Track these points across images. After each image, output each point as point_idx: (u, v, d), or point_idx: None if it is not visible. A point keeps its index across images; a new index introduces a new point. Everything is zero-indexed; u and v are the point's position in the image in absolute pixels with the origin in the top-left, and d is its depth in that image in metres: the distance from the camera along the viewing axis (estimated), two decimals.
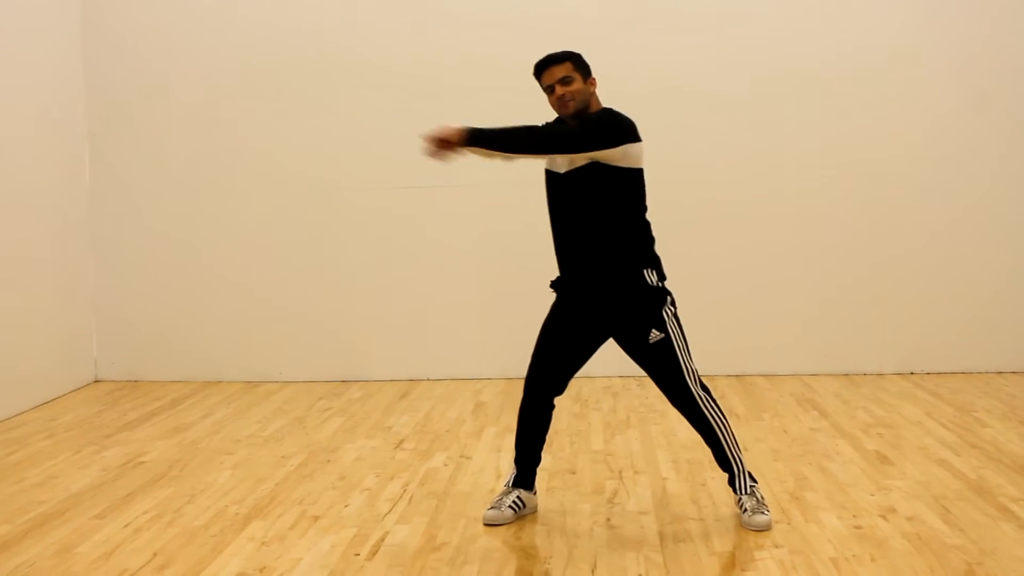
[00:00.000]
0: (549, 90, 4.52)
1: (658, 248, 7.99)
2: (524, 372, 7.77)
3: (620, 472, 5.40)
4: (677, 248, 7.79)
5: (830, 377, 7.70)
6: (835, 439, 5.97)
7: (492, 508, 4.68)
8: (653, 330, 4.51)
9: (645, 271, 4.54)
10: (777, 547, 4.27)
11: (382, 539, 4.47)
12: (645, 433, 6.20)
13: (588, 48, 7.62)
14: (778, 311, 7.83)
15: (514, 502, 4.69)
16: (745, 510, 4.54)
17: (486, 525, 4.61)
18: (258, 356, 8.00)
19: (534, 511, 4.76)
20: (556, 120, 4.69)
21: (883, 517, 4.61)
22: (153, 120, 8.00)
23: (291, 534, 4.57)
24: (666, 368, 4.56)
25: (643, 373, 7.75)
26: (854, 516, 4.63)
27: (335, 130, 7.90)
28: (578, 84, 4.51)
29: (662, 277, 4.60)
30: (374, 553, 4.32)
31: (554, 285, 4.77)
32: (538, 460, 4.79)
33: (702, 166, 7.77)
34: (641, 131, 8.19)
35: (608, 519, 4.68)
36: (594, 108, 4.58)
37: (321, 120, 7.91)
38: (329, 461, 5.72)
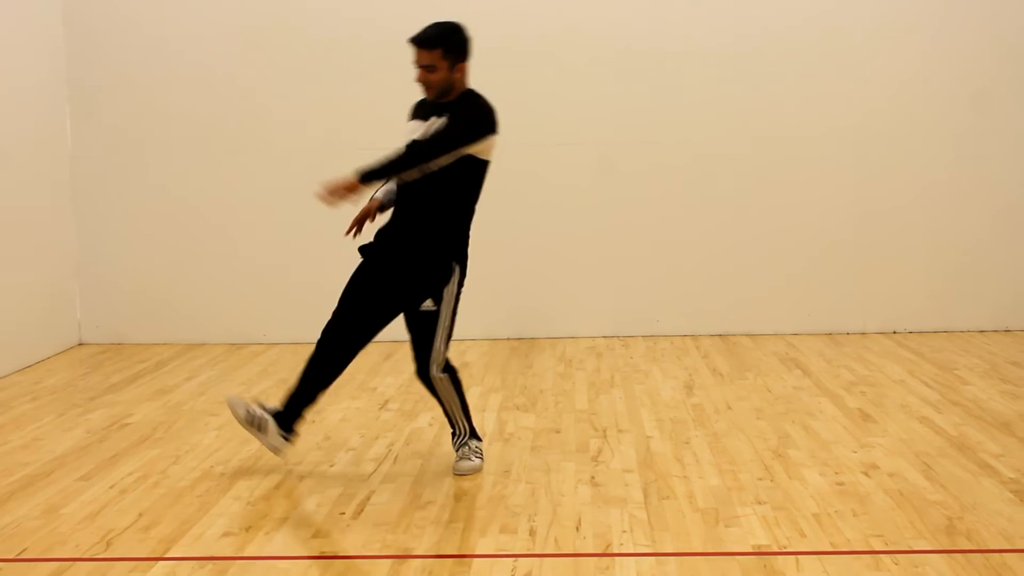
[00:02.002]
0: (416, 65, 4.60)
1: (642, 213, 8.03)
2: (509, 333, 7.83)
3: (604, 431, 5.43)
4: (662, 210, 7.83)
5: (813, 336, 7.73)
6: (818, 397, 6.01)
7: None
8: (430, 299, 4.64)
9: (452, 263, 4.69)
10: (760, 503, 4.31)
11: (367, 498, 4.49)
12: (629, 392, 6.23)
13: (576, 7, 7.68)
14: (762, 271, 7.85)
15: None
16: (458, 459, 4.81)
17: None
18: (243, 318, 7.98)
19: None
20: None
21: (865, 474, 4.65)
22: (136, 80, 7.92)
23: (276, 494, 4.59)
24: (423, 338, 4.70)
25: (627, 333, 7.84)
26: (836, 473, 4.67)
27: (320, 90, 7.85)
28: (442, 73, 4.57)
29: (463, 272, 4.76)
30: (359, 512, 4.34)
31: (362, 250, 4.84)
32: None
33: (686, 126, 7.75)
34: (627, 90, 8.22)
35: (592, 477, 4.71)
36: (457, 91, 4.64)
37: (307, 81, 7.85)
38: (314, 422, 5.72)
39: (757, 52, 7.72)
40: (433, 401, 6.06)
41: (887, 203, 7.77)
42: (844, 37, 7.69)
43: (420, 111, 4.74)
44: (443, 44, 4.55)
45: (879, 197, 7.77)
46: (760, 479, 4.61)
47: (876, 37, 7.69)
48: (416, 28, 7.62)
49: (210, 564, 3.84)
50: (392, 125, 7.73)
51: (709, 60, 7.73)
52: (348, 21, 7.80)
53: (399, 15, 7.74)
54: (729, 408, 5.82)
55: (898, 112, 7.72)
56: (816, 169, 7.78)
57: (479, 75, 7.98)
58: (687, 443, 5.18)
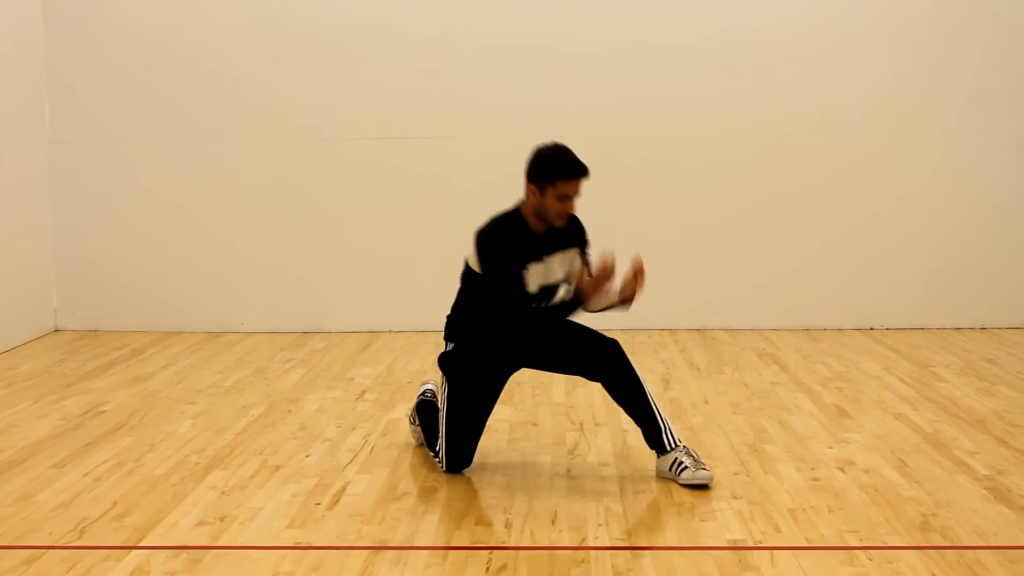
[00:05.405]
0: (565, 198, 4.51)
1: (620, 206, 7.96)
2: None
3: (581, 424, 5.43)
4: (640, 204, 7.83)
5: (790, 332, 7.75)
6: (794, 393, 6.02)
7: None
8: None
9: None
10: (736, 498, 4.31)
11: (343, 489, 4.48)
12: None
13: (559, 3, 7.68)
14: (740, 267, 7.85)
15: None
16: None
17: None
18: (220, 306, 7.95)
19: None
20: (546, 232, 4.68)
21: (841, 469, 4.67)
22: (114, 66, 7.87)
23: (252, 483, 4.57)
24: None
25: (605, 326, 7.80)
26: (812, 468, 4.69)
27: (299, 78, 7.81)
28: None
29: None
30: (335, 503, 4.33)
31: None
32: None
33: (667, 122, 7.75)
34: (607, 88, 8.18)
35: (568, 470, 4.71)
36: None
37: (286, 67, 7.81)
38: (290, 412, 5.71)
39: (743, 49, 7.71)
40: (410, 391, 6.11)
41: (866, 201, 7.78)
42: (823, 39, 7.70)
43: (533, 248, 4.63)
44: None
45: (858, 195, 7.77)
46: (736, 474, 4.62)
47: (855, 39, 7.70)
48: (400, 18, 7.69)
49: (184, 554, 3.82)
50: (372, 117, 7.78)
51: (695, 57, 7.71)
52: (330, 10, 7.75)
53: (383, 6, 7.75)
54: (706, 402, 5.83)
55: (879, 112, 7.73)
56: (796, 167, 7.79)
57: (476, 69, 8.03)
58: None
